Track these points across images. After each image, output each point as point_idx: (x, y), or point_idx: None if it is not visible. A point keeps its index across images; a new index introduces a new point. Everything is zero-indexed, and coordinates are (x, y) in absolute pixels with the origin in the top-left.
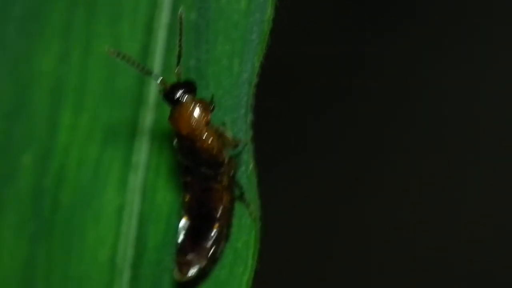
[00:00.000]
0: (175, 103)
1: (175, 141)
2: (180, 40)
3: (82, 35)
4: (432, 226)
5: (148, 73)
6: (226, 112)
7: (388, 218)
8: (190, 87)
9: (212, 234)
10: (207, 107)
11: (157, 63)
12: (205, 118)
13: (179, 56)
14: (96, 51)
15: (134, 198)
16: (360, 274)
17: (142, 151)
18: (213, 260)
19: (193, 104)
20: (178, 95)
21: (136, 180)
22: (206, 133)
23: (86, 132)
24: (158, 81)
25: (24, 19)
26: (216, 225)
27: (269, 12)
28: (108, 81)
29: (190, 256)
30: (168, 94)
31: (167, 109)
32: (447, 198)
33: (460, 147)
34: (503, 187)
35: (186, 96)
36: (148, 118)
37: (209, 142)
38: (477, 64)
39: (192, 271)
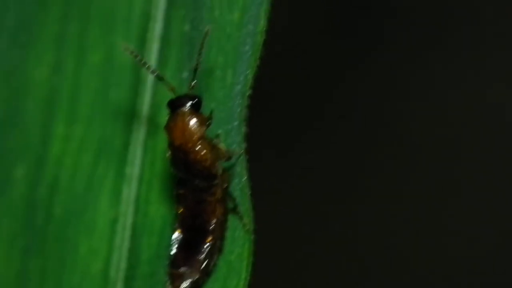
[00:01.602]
0: (175, 112)
1: (168, 153)
2: (199, 54)
3: (75, 46)
4: (428, 224)
5: (158, 76)
6: (220, 124)
7: (384, 222)
8: (197, 102)
9: (205, 246)
10: (203, 122)
11: (150, 74)
12: (200, 131)
13: (195, 70)
14: (89, 62)
15: (128, 210)
16: (356, 280)
17: (136, 163)
18: (206, 273)
19: (190, 116)
20: (181, 105)
21: (129, 192)
22: (200, 145)
23: (80, 143)
24: (168, 87)
25: (17, 30)
26: (209, 237)
27: (262, 23)
28: (102, 92)
29: (183, 269)
30: (174, 102)
31: (161, 120)
32: (444, 197)
33: (458, 147)
34: (502, 188)
35: (187, 108)
36: (141, 130)
37: (203, 154)
38: (477, 66)
39: (185, 284)
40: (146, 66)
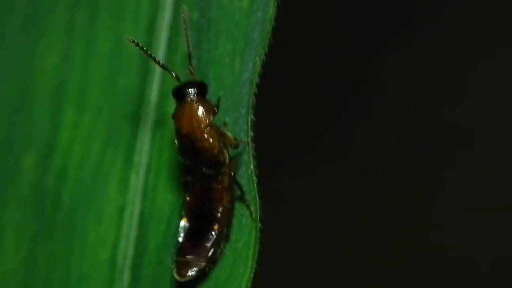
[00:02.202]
0: (181, 100)
1: (176, 141)
2: (187, 39)
3: (84, 35)
4: (429, 220)
5: (163, 66)
6: (227, 112)
7: (390, 218)
8: (201, 87)
9: (212, 234)
10: (210, 110)
11: (155, 63)
12: (207, 120)
13: (190, 55)
14: (98, 51)
15: (135, 198)
16: (361, 273)
17: (144, 151)
18: (213, 261)
19: (197, 104)
20: (186, 93)
21: (137, 180)
22: (207, 133)
23: (88, 132)
24: (172, 76)
25: (26, 19)
26: (216, 225)
27: (271, 11)
28: (111, 80)
29: (190, 257)
30: (177, 90)
31: (169, 109)
32: (447, 195)
33: (466, 149)
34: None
35: (194, 95)
36: (150, 118)
37: (210, 142)
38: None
39: (192, 272)
40: (151, 56)
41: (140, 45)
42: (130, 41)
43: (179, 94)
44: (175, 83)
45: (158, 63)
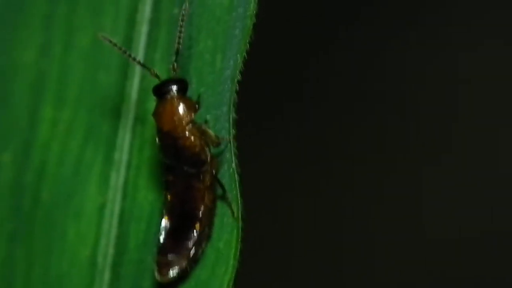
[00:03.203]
0: (162, 98)
1: (157, 139)
2: (179, 36)
3: (63, 28)
4: (420, 209)
5: (141, 64)
6: (209, 109)
7: (378, 217)
8: (181, 85)
9: (194, 233)
10: (191, 107)
11: (139, 56)
12: (189, 117)
13: (177, 53)
14: (77, 45)
15: (116, 196)
16: (344, 272)
17: (124, 149)
18: (194, 260)
19: (178, 102)
20: (167, 90)
21: (117, 177)
22: (188, 131)
23: (67, 127)
24: (151, 74)
25: (5, 12)
26: (198, 224)
27: (252, 7)
28: (90, 75)
29: (171, 256)
30: (158, 88)
31: (149, 105)
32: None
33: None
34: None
35: (174, 92)
36: (130, 114)
37: (191, 140)
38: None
39: (173, 272)
40: (127, 53)
41: (115, 42)
42: (105, 39)
43: (160, 91)
44: (156, 79)
45: (135, 60)
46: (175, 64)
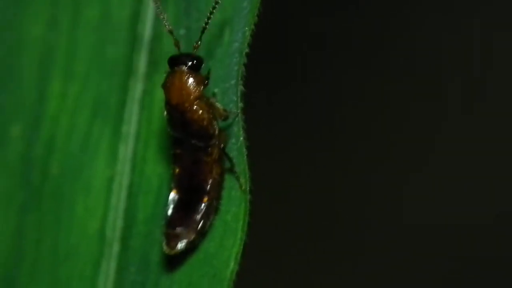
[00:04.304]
0: (173, 70)
1: (165, 112)
2: (209, 16)
3: (71, 2)
4: (423, 204)
5: (170, 30)
6: (217, 83)
7: (382, 203)
8: (197, 62)
9: (202, 207)
10: (200, 81)
11: (147, 30)
12: (197, 91)
13: (203, 31)
14: (85, 19)
15: (124, 169)
16: (350, 253)
17: (132, 122)
18: (202, 233)
19: (188, 76)
20: (182, 63)
21: (126, 151)
22: (197, 104)
23: (76, 101)
24: (175, 43)
25: None
26: (206, 198)
27: None
28: (98, 49)
29: (179, 229)
30: (175, 58)
31: (157, 79)
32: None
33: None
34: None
35: (186, 67)
36: (138, 88)
37: (199, 113)
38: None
39: (181, 245)
40: (162, 16)
41: (157, 3)
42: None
43: (175, 62)
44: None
45: (165, 25)
46: (199, 42)
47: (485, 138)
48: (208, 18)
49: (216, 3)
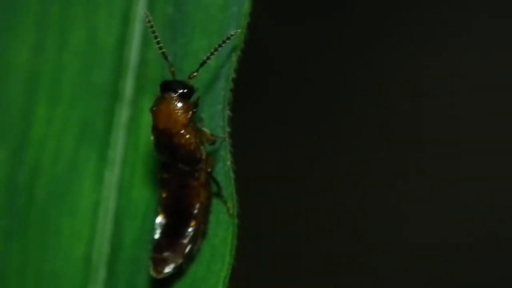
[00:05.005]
0: (163, 95)
1: (152, 136)
2: (214, 50)
3: (57, 27)
4: (419, 197)
5: (164, 55)
6: (204, 108)
7: (376, 212)
8: (189, 92)
9: (189, 231)
10: (189, 109)
11: (133, 55)
12: (185, 118)
13: (203, 63)
14: (71, 44)
15: (110, 193)
16: (340, 270)
17: (118, 146)
18: (190, 257)
19: (177, 102)
20: (173, 90)
21: (112, 175)
22: (184, 129)
23: (62, 126)
24: (170, 69)
25: None
26: (193, 222)
27: (246, 5)
28: (84, 74)
29: (166, 254)
30: (168, 84)
31: (143, 104)
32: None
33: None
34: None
35: (178, 95)
36: (124, 112)
37: (187, 138)
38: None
39: (168, 269)
40: (157, 40)
41: (152, 25)
42: (146, 18)
43: (166, 88)
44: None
45: (160, 49)
46: (195, 74)
47: (484, 139)
48: (211, 54)
49: (224, 42)
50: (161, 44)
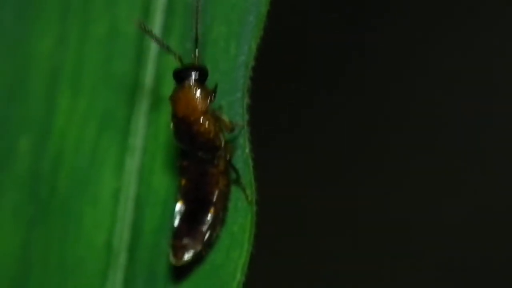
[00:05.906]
0: (180, 83)
1: (172, 124)
2: (196, 23)
3: (79, 18)
4: (423, 198)
5: (167, 48)
6: (223, 95)
7: (381, 202)
8: (202, 73)
9: (208, 218)
10: (207, 95)
11: (154, 45)
12: (204, 105)
13: (196, 39)
14: (93, 34)
15: (131, 181)
16: (358, 257)
17: (139, 135)
18: (209, 244)
19: (195, 90)
20: (187, 76)
21: (132, 163)
22: (203, 117)
23: (83, 115)
24: (175, 57)
25: (21, 2)
26: (212, 209)
27: None
28: (105, 64)
29: (185, 240)
30: (179, 72)
31: (164, 92)
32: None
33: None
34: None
35: (193, 79)
36: (144, 101)
37: (206, 126)
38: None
39: (188, 256)
40: (154, 37)
41: (143, 25)
42: (134, 22)
43: (180, 76)
44: (171, 66)
45: (159, 42)
46: (197, 51)
47: (486, 138)
48: (196, 28)
49: (197, 15)
50: (164, 41)
